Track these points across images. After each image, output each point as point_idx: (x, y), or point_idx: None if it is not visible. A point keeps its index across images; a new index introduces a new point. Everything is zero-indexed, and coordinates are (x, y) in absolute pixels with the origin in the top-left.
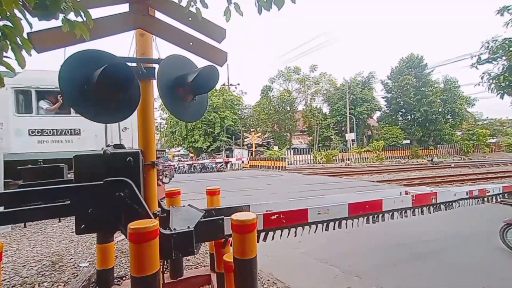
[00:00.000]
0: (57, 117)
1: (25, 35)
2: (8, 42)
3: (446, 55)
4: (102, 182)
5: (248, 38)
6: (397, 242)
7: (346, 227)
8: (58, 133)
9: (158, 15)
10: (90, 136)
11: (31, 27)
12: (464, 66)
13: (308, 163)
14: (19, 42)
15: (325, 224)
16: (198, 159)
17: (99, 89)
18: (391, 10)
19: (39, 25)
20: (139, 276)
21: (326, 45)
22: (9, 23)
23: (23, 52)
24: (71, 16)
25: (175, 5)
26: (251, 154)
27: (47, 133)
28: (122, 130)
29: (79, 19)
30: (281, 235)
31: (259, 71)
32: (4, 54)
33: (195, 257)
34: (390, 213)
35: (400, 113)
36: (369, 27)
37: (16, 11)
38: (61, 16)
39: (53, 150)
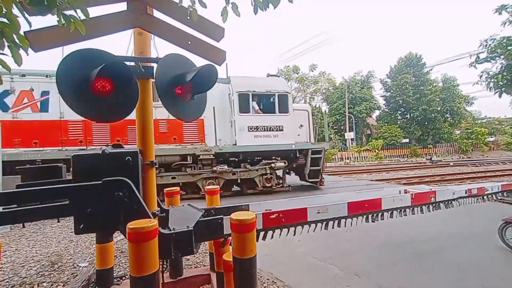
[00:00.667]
0: (266, 116)
1: (21, 33)
2: (5, 40)
3: (444, 54)
4: (100, 182)
5: (248, 38)
6: (397, 241)
7: (345, 226)
8: (268, 129)
9: (157, 14)
10: (290, 132)
11: (30, 26)
12: (462, 65)
13: None
14: (16, 39)
15: (324, 223)
16: None
17: (97, 88)
18: (390, 10)
19: (36, 24)
20: (138, 276)
21: (325, 45)
22: (5, 20)
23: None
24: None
25: (174, 4)
26: None
27: (260, 129)
28: (299, 127)
29: (74, 14)
30: (280, 234)
31: (258, 71)
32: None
33: (194, 256)
34: (390, 212)
35: (399, 112)
36: (369, 27)
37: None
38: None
39: (265, 143)
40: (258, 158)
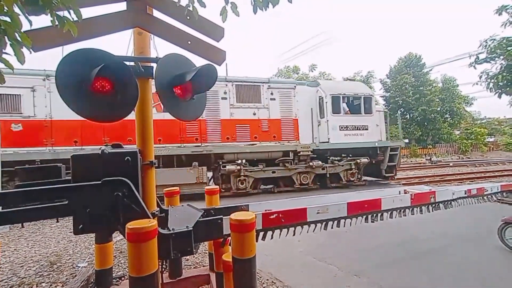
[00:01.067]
0: (353, 116)
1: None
2: (7, 38)
3: (444, 54)
4: (100, 182)
5: (248, 38)
6: (396, 241)
7: (345, 226)
8: (355, 128)
9: (157, 13)
10: (373, 131)
11: (31, 25)
12: (462, 65)
13: None
14: (18, 38)
15: (324, 223)
16: None
17: (97, 88)
18: (390, 10)
19: (34, 24)
20: (137, 276)
21: (325, 45)
22: (7, 19)
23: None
24: (62, 13)
25: (173, 3)
26: None
27: (349, 128)
28: (376, 125)
29: (68, 15)
30: (280, 235)
31: (258, 71)
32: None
33: (194, 256)
34: (389, 212)
35: (399, 112)
36: (369, 27)
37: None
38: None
39: (353, 141)
40: (337, 154)
